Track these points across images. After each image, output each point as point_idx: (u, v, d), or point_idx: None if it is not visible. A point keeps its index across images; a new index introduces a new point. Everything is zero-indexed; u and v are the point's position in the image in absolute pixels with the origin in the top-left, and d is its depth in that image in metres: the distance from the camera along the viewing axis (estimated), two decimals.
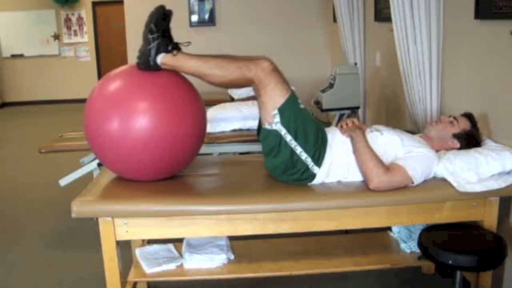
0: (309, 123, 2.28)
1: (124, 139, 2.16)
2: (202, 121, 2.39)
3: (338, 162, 2.30)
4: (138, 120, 2.15)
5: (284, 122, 2.23)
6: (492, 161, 2.23)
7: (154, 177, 2.35)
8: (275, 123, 2.24)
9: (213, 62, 2.24)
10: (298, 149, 2.25)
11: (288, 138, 2.24)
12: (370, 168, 2.19)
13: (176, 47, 2.28)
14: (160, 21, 2.23)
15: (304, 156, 2.25)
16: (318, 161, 2.27)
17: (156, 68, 2.26)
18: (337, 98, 3.97)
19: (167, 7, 2.29)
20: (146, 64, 2.25)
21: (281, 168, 2.30)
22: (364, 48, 4.89)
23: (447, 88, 3.03)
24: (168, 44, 2.25)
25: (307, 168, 2.26)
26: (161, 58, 2.24)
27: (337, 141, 2.33)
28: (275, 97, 2.22)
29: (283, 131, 2.24)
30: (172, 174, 2.41)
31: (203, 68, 2.23)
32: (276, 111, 2.22)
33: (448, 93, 3.03)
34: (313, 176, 2.28)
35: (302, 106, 2.29)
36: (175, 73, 2.32)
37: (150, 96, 2.19)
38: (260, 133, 2.34)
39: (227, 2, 6.67)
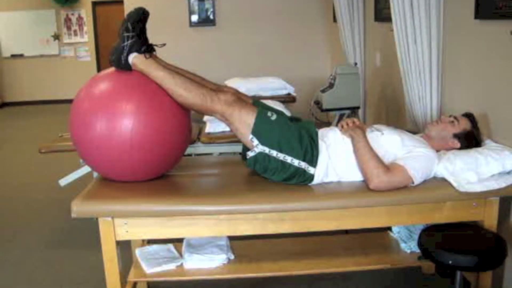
0: (286, 130, 2.28)
1: (109, 140, 2.16)
2: (187, 121, 2.40)
3: (337, 162, 2.30)
4: (122, 121, 2.15)
5: (263, 142, 2.25)
6: (492, 161, 2.23)
7: (140, 177, 2.34)
8: (256, 146, 2.26)
9: (180, 80, 2.27)
10: (288, 159, 2.26)
11: (274, 153, 2.26)
12: (370, 168, 2.19)
13: (150, 50, 2.30)
14: (137, 22, 2.26)
15: (296, 162, 2.25)
16: (312, 161, 2.27)
17: (127, 67, 2.29)
18: (337, 98, 3.96)
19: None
20: (117, 61, 2.28)
21: (279, 179, 2.31)
22: (364, 48, 4.89)
23: (447, 88, 3.03)
24: (142, 45, 2.27)
25: (303, 171, 2.27)
26: (133, 58, 2.27)
27: (337, 141, 2.33)
28: (245, 120, 2.25)
29: (266, 150, 2.26)
30: (157, 174, 2.40)
31: (169, 82, 2.26)
32: (251, 136, 2.25)
33: (448, 93, 3.03)
34: (311, 176, 2.28)
35: (273, 117, 2.30)
36: None
37: (133, 96, 2.20)
38: (248, 162, 2.34)
39: (227, 2, 6.67)
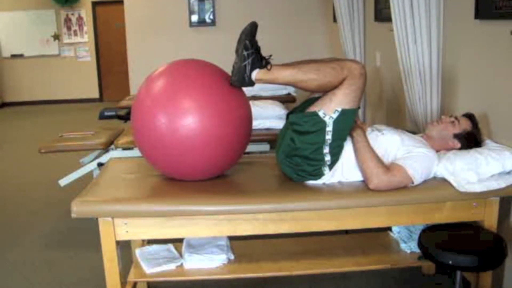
0: (347, 138, 2.28)
1: (171, 138, 2.16)
2: (249, 122, 2.39)
3: (346, 164, 2.30)
4: (186, 120, 2.15)
5: (336, 122, 2.19)
6: (492, 161, 2.23)
7: (201, 176, 2.35)
8: (329, 117, 2.19)
9: (307, 67, 2.23)
10: (326, 149, 2.23)
11: (328, 136, 2.21)
12: (370, 168, 2.19)
13: (268, 61, 2.26)
14: (253, 37, 2.22)
15: (327, 157, 2.24)
16: (331, 166, 2.27)
17: (250, 84, 2.25)
18: None
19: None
20: (241, 81, 2.23)
21: (300, 151, 2.25)
22: (364, 48, 4.89)
23: (447, 88, 3.03)
24: (262, 59, 2.24)
25: (319, 167, 2.26)
26: (256, 74, 2.23)
27: (348, 145, 2.33)
28: (347, 99, 2.18)
29: (328, 128, 2.20)
30: (216, 174, 2.41)
31: (299, 75, 2.22)
32: (340, 109, 2.18)
33: (448, 93, 3.02)
34: (320, 175, 2.28)
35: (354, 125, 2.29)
36: (222, 73, 2.34)
37: (198, 95, 2.20)
38: (302, 112, 2.27)
39: (227, 2, 6.67)
